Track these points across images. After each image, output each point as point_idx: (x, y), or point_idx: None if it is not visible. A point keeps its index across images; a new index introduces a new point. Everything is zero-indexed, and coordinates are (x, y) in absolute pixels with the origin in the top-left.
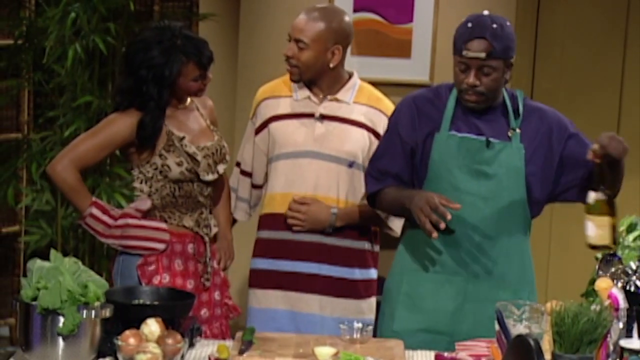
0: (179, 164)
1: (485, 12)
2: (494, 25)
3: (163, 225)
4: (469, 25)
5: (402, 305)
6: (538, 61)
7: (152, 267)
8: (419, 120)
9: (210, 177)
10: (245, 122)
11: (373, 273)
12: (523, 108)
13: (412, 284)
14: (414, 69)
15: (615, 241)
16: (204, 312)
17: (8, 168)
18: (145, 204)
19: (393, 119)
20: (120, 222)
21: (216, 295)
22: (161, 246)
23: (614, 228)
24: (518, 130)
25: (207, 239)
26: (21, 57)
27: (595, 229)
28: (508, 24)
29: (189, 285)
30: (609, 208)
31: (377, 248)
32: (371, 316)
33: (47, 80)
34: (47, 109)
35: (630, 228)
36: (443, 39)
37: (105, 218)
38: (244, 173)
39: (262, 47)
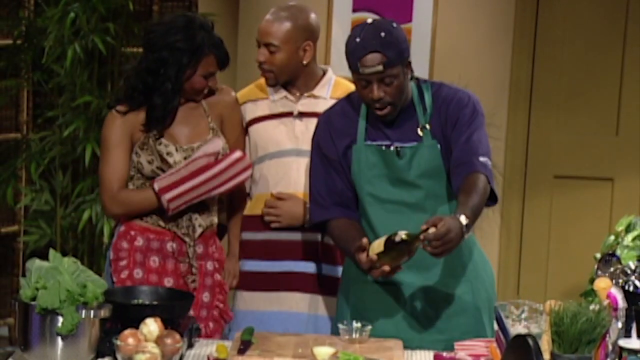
0: (150, 162)
1: (369, 21)
2: (382, 34)
3: (239, 153)
4: (358, 40)
5: (352, 317)
6: (538, 61)
7: (124, 262)
8: (336, 136)
9: None
10: None
11: None
12: (432, 100)
13: (357, 295)
14: (413, 68)
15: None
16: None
17: (7, 168)
18: (215, 145)
19: (315, 140)
20: (202, 177)
21: (204, 297)
22: (248, 173)
23: (379, 255)
24: (428, 127)
25: (187, 239)
26: (20, 57)
27: (376, 242)
28: (395, 25)
29: (167, 283)
30: (388, 248)
31: None
32: None
33: (47, 80)
34: (46, 108)
35: (630, 228)
36: (442, 39)
37: (181, 188)
38: None
39: None
